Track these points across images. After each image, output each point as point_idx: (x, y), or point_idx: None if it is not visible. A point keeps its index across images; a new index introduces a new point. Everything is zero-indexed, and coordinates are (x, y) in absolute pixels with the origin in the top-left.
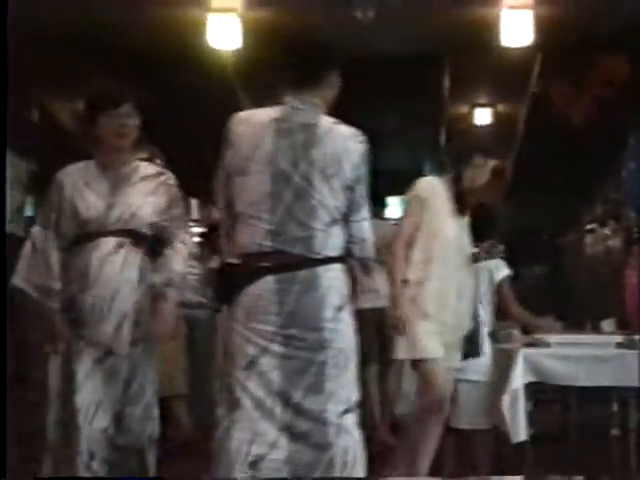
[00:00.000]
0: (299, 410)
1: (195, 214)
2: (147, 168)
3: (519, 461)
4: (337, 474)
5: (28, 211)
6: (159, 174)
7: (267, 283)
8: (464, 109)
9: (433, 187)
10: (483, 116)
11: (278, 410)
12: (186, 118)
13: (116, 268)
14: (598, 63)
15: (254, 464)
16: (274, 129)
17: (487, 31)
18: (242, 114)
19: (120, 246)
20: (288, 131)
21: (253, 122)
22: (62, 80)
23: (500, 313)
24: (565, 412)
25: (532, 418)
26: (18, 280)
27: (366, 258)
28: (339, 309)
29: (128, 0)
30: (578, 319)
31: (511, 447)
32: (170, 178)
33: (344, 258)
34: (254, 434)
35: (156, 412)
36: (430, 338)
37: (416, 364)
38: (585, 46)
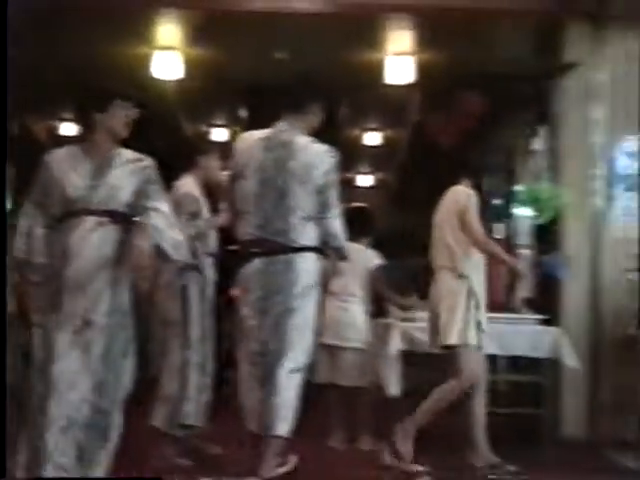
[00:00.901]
0: (265, 365)
1: None
2: (128, 154)
3: (393, 411)
4: (275, 420)
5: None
6: (139, 159)
7: (256, 264)
8: (357, 133)
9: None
10: (373, 139)
11: (258, 364)
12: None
13: (94, 244)
14: (462, 100)
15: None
16: (263, 145)
17: (376, 71)
18: (243, 134)
19: (100, 224)
20: (273, 147)
21: (249, 140)
22: (37, 102)
23: (374, 294)
24: (430, 373)
25: (405, 377)
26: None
27: (339, 248)
28: (309, 287)
29: (90, 40)
30: None
31: (387, 401)
32: (150, 162)
33: (318, 248)
34: (249, 388)
35: (129, 378)
36: (481, 327)
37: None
38: (453, 86)
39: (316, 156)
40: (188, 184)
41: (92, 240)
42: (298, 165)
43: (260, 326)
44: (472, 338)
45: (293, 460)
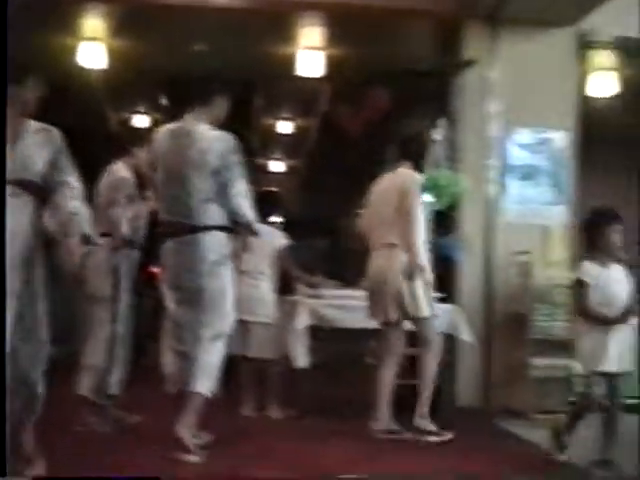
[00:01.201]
0: (185, 335)
1: None
2: (37, 124)
3: (301, 382)
4: (196, 379)
5: None
6: (48, 129)
7: (169, 245)
8: (271, 121)
9: None
10: (286, 127)
11: (178, 335)
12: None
13: (9, 215)
14: (369, 93)
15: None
16: (169, 136)
17: (289, 65)
18: (160, 128)
19: (14, 194)
20: (176, 137)
21: (161, 132)
22: None
23: (283, 272)
24: (336, 346)
25: (314, 351)
26: None
27: (246, 224)
28: (216, 264)
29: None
30: (349, 279)
31: (295, 372)
32: (57, 132)
33: (225, 227)
34: (170, 357)
35: (46, 350)
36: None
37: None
38: (361, 80)
39: (212, 141)
40: (123, 169)
41: (7, 210)
42: (194, 152)
43: (177, 301)
44: (435, 309)
45: (207, 438)
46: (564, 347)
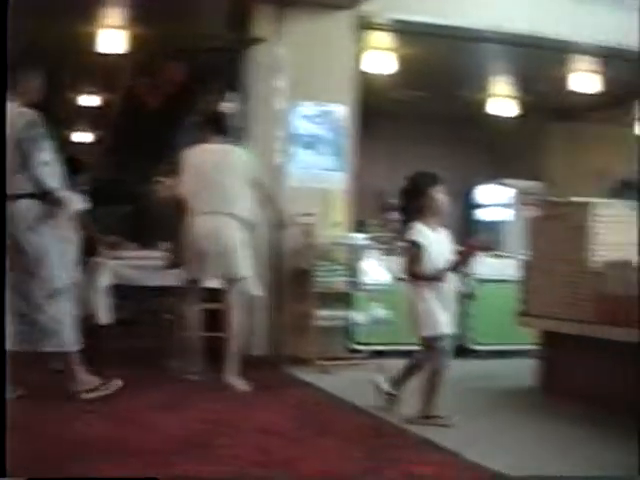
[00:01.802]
0: (22, 298)
1: None
2: None
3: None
4: (37, 344)
5: None
6: None
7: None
8: (77, 96)
9: None
10: (91, 101)
11: (21, 302)
12: None
13: None
14: (165, 68)
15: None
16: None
17: (92, 42)
18: None
19: None
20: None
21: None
22: None
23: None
24: (138, 303)
25: (117, 308)
26: None
27: (47, 192)
28: (30, 228)
29: None
30: (148, 242)
31: (102, 328)
32: None
33: (32, 194)
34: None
35: None
36: None
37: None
38: (159, 56)
39: (14, 117)
40: None
41: None
42: (7, 127)
43: (10, 267)
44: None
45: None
46: (342, 300)
